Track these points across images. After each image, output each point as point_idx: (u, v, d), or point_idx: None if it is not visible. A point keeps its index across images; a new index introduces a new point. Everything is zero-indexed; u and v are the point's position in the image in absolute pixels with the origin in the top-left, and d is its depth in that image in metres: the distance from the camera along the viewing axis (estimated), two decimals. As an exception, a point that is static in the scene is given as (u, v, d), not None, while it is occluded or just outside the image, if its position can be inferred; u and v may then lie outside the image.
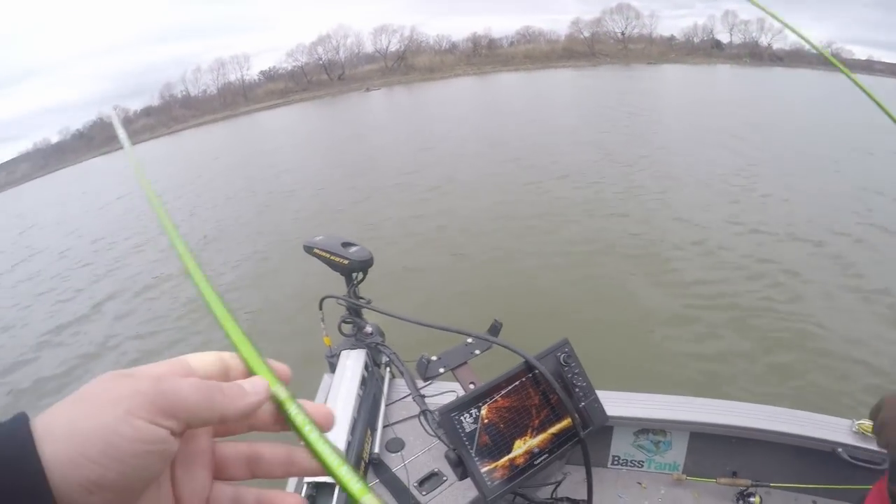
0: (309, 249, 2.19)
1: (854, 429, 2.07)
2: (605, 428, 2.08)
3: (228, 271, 9.78)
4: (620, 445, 2.36)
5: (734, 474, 2.26)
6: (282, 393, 0.81)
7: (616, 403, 1.93)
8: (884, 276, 7.06)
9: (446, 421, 1.50)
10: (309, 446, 0.73)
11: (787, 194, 10.55)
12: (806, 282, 7.09)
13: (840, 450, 2.04)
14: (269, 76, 72.56)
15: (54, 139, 61.13)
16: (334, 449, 0.73)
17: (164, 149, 39.93)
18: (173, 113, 62.26)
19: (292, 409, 0.76)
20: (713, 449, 2.29)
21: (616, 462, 2.39)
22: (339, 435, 1.80)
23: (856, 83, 1.15)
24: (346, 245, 2.14)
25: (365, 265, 2.13)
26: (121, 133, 1.64)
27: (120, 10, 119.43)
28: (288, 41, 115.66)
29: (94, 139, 57.78)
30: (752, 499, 2.18)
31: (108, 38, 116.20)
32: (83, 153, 53.90)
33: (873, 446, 1.98)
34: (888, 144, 13.11)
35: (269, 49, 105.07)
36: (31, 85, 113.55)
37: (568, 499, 2.03)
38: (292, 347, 6.10)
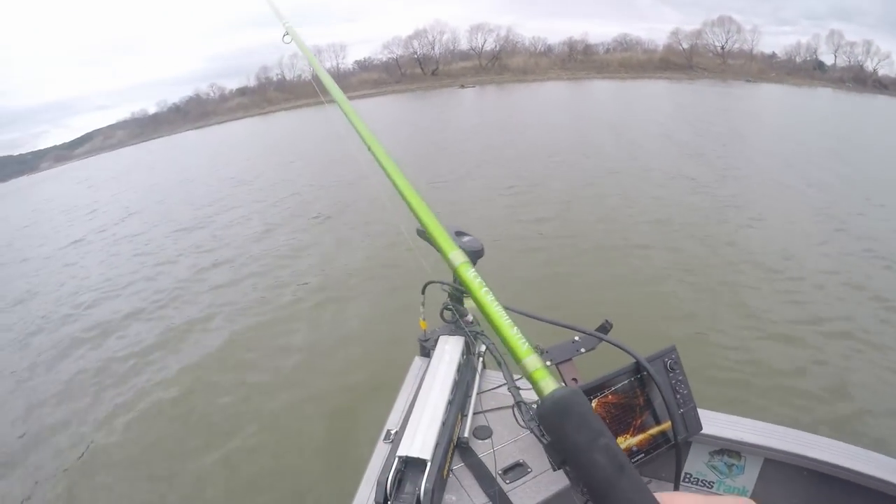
0: (422, 234, 1.99)
1: None
2: (682, 443, 1.88)
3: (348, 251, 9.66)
4: (694, 464, 2.39)
5: None
6: (459, 258, 0.95)
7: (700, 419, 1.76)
8: None
9: None
10: (482, 308, 0.88)
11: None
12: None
13: None
14: (364, 66, 73.75)
15: (151, 110, 63.57)
16: (508, 314, 0.86)
17: (257, 127, 40.74)
18: (268, 95, 63.57)
19: (470, 273, 0.91)
20: (785, 479, 2.29)
21: (687, 479, 2.43)
22: (435, 416, 1.86)
23: None
24: (460, 234, 2.17)
25: (476, 255, 2.12)
26: (324, 76, 1.70)
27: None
28: (384, 33, 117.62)
29: (189, 113, 60.02)
30: None
31: (212, 20, 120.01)
32: (178, 126, 55.88)
33: None
34: None
35: (364, 40, 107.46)
36: (135, 58, 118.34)
37: None
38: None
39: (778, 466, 2.26)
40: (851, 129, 26.56)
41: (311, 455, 4.71)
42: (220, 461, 4.74)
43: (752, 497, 2.28)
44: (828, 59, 72.44)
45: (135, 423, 5.47)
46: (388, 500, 1.62)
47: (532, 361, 0.81)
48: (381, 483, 1.62)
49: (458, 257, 0.92)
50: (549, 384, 0.78)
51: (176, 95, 65.86)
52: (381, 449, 1.90)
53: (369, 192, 13.97)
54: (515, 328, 0.85)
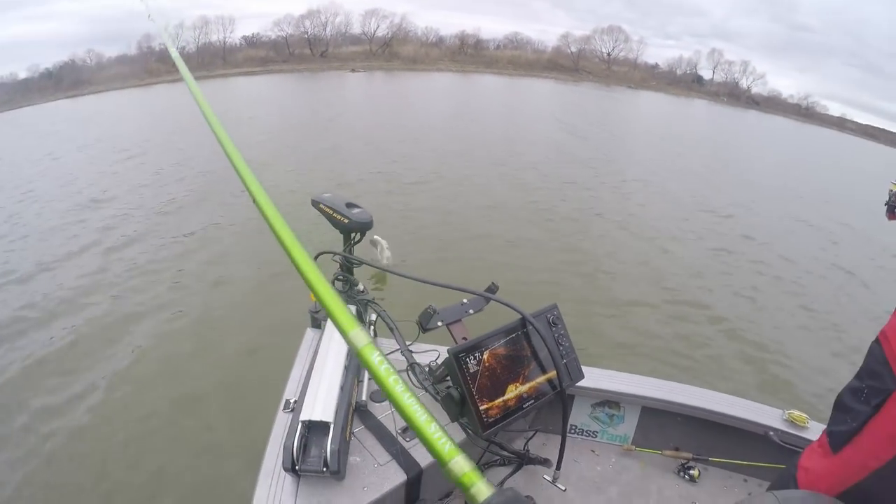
0: (315, 204, 2.39)
1: (784, 417, 2.45)
2: (566, 397, 2.23)
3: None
4: (578, 416, 2.67)
5: (677, 448, 2.62)
6: (362, 339, 0.84)
7: None
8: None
9: (456, 361, 1.62)
10: (393, 399, 0.79)
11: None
12: (761, 296, 8.42)
13: (772, 433, 2.39)
14: (251, 42, 71.00)
15: (22, 75, 57.81)
16: (421, 406, 0.79)
17: (141, 98, 38.97)
18: (149, 66, 60.12)
19: (374, 357, 0.82)
20: (661, 424, 2.63)
21: (573, 431, 2.70)
22: (333, 382, 1.95)
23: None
24: (350, 206, 2.34)
25: (364, 227, 2.32)
26: (182, 66, 2.03)
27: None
28: (276, 9, 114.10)
29: (62, 81, 55.85)
30: (691, 471, 2.56)
31: None
32: (49, 93, 51.79)
33: (800, 433, 2.38)
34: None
35: (255, 15, 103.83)
36: (15, 15, 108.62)
37: (538, 456, 2.17)
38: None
39: (654, 414, 2.59)
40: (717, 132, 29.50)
41: (213, 439, 4.72)
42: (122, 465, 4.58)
43: (633, 443, 2.68)
44: (706, 74, 77.39)
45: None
46: (296, 465, 1.71)
47: (459, 464, 0.72)
48: (287, 448, 1.70)
49: (360, 338, 0.83)
50: (482, 490, 0.69)
51: (49, 60, 61.45)
52: (282, 418, 1.97)
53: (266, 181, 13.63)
54: (434, 424, 0.76)
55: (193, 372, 5.70)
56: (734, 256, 9.89)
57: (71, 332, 6.62)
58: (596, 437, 2.70)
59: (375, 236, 7.18)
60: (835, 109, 72.60)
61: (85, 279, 8.09)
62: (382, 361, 0.80)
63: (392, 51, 73.87)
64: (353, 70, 63.41)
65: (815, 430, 2.36)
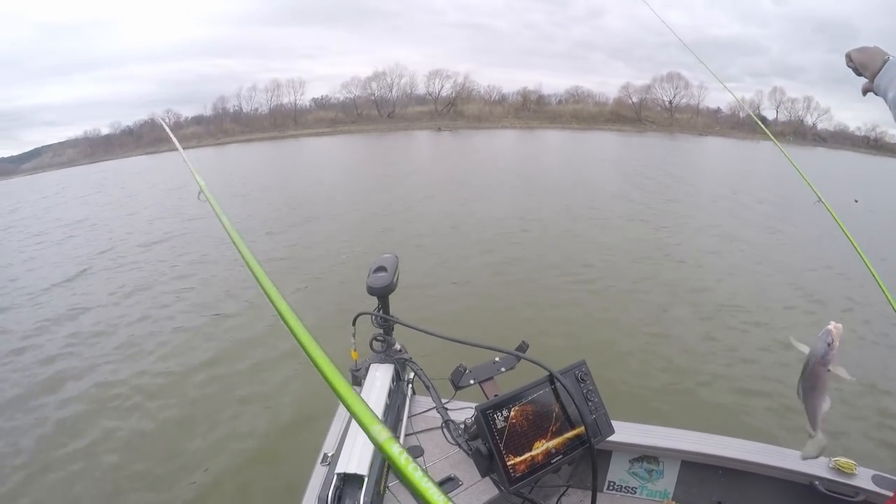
0: (371, 290, 2.36)
1: (830, 465, 2.29)
2: (603, 453, 2.44)
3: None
4: (616, 471, 2.59)
5: (720, 503, 2.49)
6: (383, 434, 0.84)
7: (617, 430, 1.99)
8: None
9: (483, 417, 1.66)
10: (415, 489, 0.78)
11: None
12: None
13: (817, 483, 2.26)
14: (321, 104, 73.90)
15: (104, 131, 62.44)
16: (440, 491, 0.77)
17: (221, 159, 40.13)
18: (223, 125, 63.39)
19: (394, 449, 0.81)
20: (701, 479, 2.52)
21: (611, 487, 2.62)
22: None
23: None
24: (378, 270, 2.31)
25: (382, 291, 2.29)
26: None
27: (188, 18, 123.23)
28: (343, 72, 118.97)
29: (142, 138, 59.06)
30: None
31: (172, 44, 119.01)
32: (130, 149, 54.90)
33: (848, 480, 2.22)
34: None
35: (323, 77, 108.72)
36: (91, 76, 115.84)
37: None
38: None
39: (694, 468, 2.51)
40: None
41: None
42: None
43: (674, 498, 2.56)
44: (770, 114, 75.79)
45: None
46: None
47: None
48: (321, 499, 1.71)
49: (380, 433, 0.85)
50: None
51: (130, 118, 64.78)
52: (319, 471, 1.99)
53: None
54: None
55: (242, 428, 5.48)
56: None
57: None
58: (635, 493, 2.63)
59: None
60: (905, 139, 70.21)
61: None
62: (402, 452, 0.82)
63: (457, 110, 75.30)
64: (439, 129, 65.63)
65: (863, 477, 2.25)
